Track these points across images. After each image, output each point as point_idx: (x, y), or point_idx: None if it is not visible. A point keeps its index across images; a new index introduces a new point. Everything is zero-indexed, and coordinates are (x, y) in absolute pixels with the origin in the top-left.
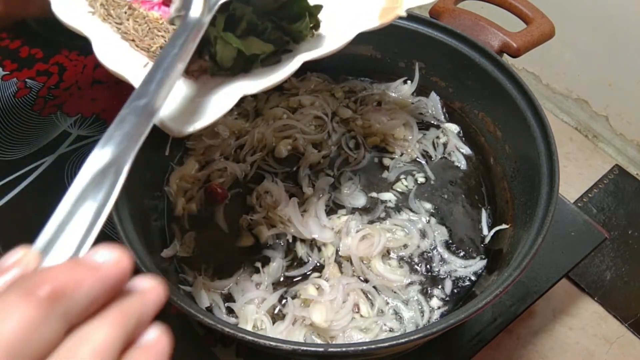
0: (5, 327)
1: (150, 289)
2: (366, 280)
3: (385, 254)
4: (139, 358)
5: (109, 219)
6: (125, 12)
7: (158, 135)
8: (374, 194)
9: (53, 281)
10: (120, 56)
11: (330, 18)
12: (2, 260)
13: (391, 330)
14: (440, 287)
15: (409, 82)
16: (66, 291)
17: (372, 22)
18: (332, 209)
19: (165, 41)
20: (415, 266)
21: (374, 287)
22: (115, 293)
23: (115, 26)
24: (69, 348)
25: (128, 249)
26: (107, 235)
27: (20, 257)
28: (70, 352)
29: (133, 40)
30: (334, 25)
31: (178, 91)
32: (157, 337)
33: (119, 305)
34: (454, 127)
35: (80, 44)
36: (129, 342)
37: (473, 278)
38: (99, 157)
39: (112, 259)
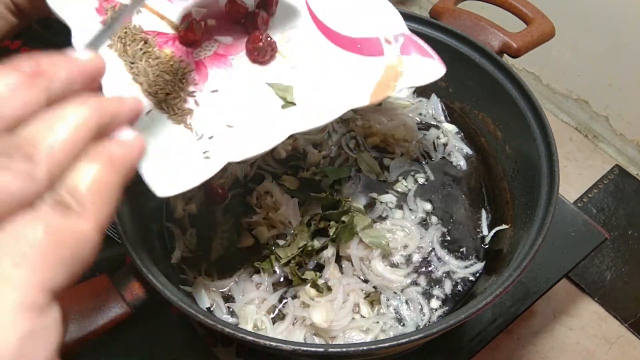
0: None
1: (129, 99)
2: (366, 281)
3: (386, 254)
4: (113, 146)
5: (112, 225)
6: (141, 49)
7: None
8: (374, 194)
9: (37, 61)
10: None
11: (324, 91)
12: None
13: (392, 329)
14: (440, 287)
15: None
16: (48, 70)
17: (363, 99)
18: None
19: (172, 88)
20: (416, 266)
21: (374, 287)
22: (91, 84)
23: (128, 64)
24: (47, 117)
25: (135, 259)
26: (110, 238)
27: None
28: (47, 119)
29: (142, 84)
30: (326, 98)
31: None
32: (133, 137)
33: (98, 98)
34: (454, 128)
35: None
36: (103, 133)
37: (473, 278)
38: None
39: (89, 55)
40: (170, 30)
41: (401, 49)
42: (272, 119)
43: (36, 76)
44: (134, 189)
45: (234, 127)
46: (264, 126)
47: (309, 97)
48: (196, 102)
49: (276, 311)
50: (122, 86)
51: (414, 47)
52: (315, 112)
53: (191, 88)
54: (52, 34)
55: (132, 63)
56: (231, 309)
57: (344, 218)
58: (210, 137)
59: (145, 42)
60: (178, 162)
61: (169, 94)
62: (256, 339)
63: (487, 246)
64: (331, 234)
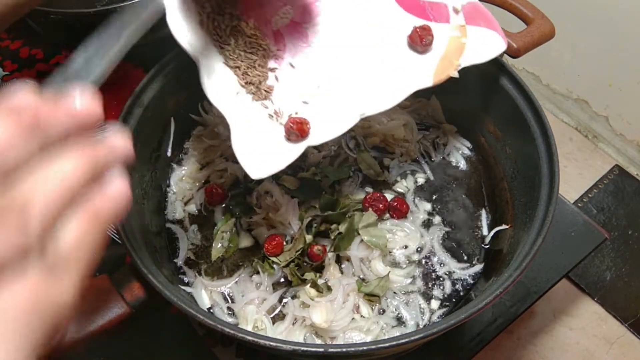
0: None
1: (120, 143)
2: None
3: (386, 255)
4: (100, 202)
5: (114, 229)
6: (227, 25)
7: (159, 135)
8: None
9: (37, 111)
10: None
11: (389, 74)
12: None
13: (392, 329)
14: (440, 287)
15: None
16: (46, 121)
17: (427, 80)
18: None
19: (260, 70)
20: (416, 267)
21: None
22: (86, 133)
23: (219, 45)
24: (42, 167)
25: (135, 259)
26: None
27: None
28: (42, 170)
29: (233, 68)
30: (393, 77)
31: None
32: (119, 183)
33: (91, 146)
34: (453, 128)
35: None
36: (93, 180)
37: (473, 279)
38: None
39: (87, 105)
40: None
41: (467, 18)
42: (345, 99)
43: (34, 127)
44: (135, 190)
45: (309, 104)
46: (337, 108)
47: (379, 76)
48: (276, 78)
49: (276, 311)
50: (218, 72)
51: (481, 16)
52: (384, 94)
53: (272, 64)
54: (51, 34)
55: (222, 41)
56: (231, 309)
57: (341, 228)
58: (290, 116)
59: (231, 15)
60: (265, 144)
61: (256, 76)
62: (256, 339)
63: (487, 246)
64: (332, 236)
